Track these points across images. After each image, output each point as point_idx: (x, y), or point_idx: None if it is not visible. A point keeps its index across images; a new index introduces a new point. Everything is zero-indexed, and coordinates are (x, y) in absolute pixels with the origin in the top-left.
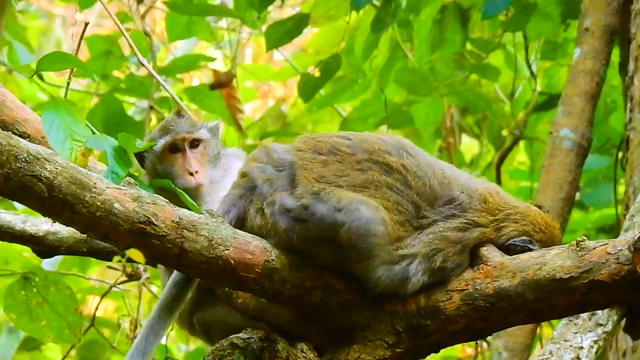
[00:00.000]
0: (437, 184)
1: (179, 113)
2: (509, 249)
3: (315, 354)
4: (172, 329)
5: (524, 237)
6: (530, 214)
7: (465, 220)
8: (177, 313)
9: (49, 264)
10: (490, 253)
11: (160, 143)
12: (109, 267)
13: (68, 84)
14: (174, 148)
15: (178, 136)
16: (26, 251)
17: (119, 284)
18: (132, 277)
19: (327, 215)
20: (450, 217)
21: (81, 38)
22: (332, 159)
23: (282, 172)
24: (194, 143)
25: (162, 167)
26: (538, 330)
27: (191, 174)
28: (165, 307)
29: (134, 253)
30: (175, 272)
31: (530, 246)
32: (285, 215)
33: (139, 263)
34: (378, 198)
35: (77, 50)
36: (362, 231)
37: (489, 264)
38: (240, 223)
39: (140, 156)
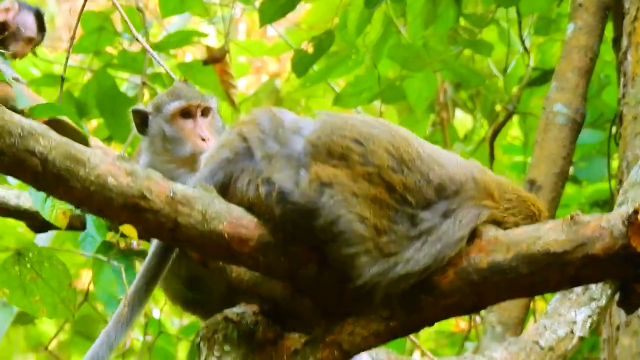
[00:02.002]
0: (433, 192)
1: (186, 82)
2: None
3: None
4: (165, 304)
5: None
6: (528, 203)
7: (466, 212)
8: (158, 282)
9: (43, 239)
10: (485, 227)
11: (174, 106)
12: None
13: (66, 62)
14: (186, 113)
15: (193, 102)
16: (20, 227)
17: (112, 259)
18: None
19: (327, 215)
20: (451, 213)
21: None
22: (342, 164)
23: (287, 156)
24: (205, 111)
25: (171, 130)
26: (532, 305)
27: (203, 139)
28: (146, 277)
29: (128, 228)
30: (154, 243)
31: None
32: (283, 203)
33: (133, 238)
34: (378, 217)
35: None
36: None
37: (483, 238)
38: (224, 188)
39: (142, 120)
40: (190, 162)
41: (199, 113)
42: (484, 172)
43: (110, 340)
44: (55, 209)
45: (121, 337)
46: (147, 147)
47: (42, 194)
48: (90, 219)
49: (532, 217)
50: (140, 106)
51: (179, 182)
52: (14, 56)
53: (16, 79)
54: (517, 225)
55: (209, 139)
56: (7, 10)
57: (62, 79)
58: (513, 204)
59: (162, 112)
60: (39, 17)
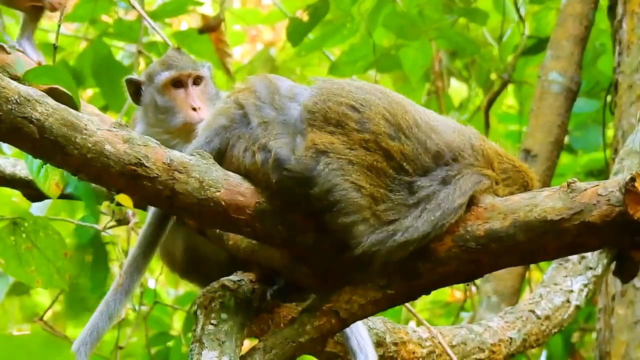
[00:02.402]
0: (431, 159)
1: (179, 50)
2: None
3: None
4: (160, 274)
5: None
6: (522, 169)
7: (465, 178)
8: (155, 251)
9: (38, 209)
10: (482, 195)
11: (165, 76)
12: (101, 212)
13: (58, 30)
14: (178, 83)
15: (184, 71)
16: (15, 196)
17: (108, 228)
18: (121, 221)
19: (323, 184)
20: (450, 180)
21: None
22: (339, 131)
23: (283, 123)
24: (197, 80)
25: (162, 101)
26: (527, 274)
27: (194, 109)
28: (143, 246)
29: (123, 198)
30: (150, 212)
31: None
32: (279, 170)
33: (128, 208)
34: (374, 186)
35: None
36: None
37: (480, 205)
38: (220, 155)
39: (136, 90)
40: (183, 132)
41: (190, 82)
42: (482, 139)
43: (110, 309)
44: (48, 179)
45: (121, 306)
46: (141, 116)
47: (38, 163)
48: (85, 198)
49: (525, 187)
50: (133, 75)
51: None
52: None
53: (13, 47)
54: (511, 194)
55: (201, 108)
56: None
57: (55, 47)
58: (508, 174)
59: (153, 82)
60: None
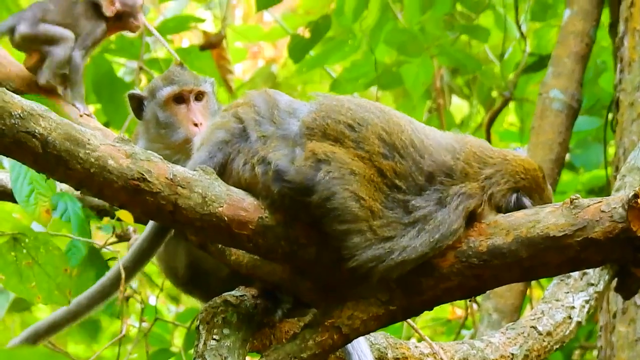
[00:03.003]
0: (424, 179)
1: (182, 66)
2: (503, 209)
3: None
4: (161, 290)
5: (514, 195)
6: (511, 165)
7: (458, 200)
8: (144, 266)
9: (39, 225)
10: (485, 210)
11: (167, 91)
12: (99, 227)
13: None
14: (180, 98)
15: (186, 87)
16: (16, 212)
17: (108, 244)
18: (122, 238)
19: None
20: (444, 201)
21: None
22: (337, 145)
23: (283, 137)
24: (199, 96)
25: (164, 116)
26: (528, 292)
27: (196, 124)
28: (135, 259)
29: (124, 214)
30: (148, 226)
31: (524, 200)
32: (278, 181)
33: (129, 224)
34: (373, 199)
35: None
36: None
37: (482, 221)
38: (222, 169)
39: (138, 105)
40: (184, 147)
41: (192, 98)
42: (465, 146)
43: (77, 310)
44: (37, 206)
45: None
46: (143, 132)
47: (27, 190)
48: (75, 223)
49: (522, 178)
50: (136, 90)
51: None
52: (135, 30)
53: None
54: (511, 190)
55: (202, 124)
56: (111, 2)
57: None
58: (498, 169)
59: (156, 98)
60: None
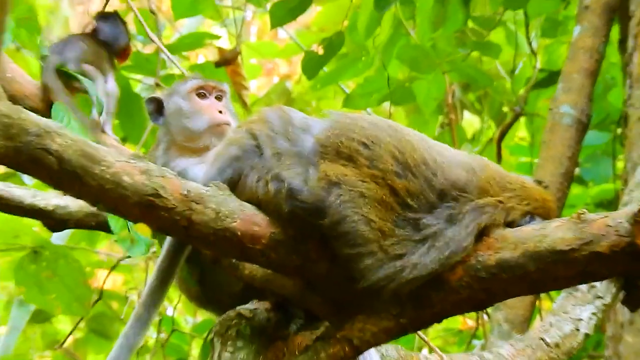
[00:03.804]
0: (436, 197)
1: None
2: (513, 226)
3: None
4: (179, 302)
5: (529, 216)
6: (529, 191)
7: (471, 216)
8: (172, 282)
9: (59, 238)
10: (493, 225)
11: (191, 84)
12: (117, 241)
13: None
14: (202, 92)
15: (209, 82)
16: (36, 225)
17: (126, 257)
18: None
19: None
20: (455, 218)
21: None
22: (351, 164)
23: (297, 154)
24: (219, 95)
25: (188, 105)
26: (537, 303)
27: (220, 112)
28: (160, 277)
29: (142, 227)
30: (166, 243)
31: (538, 221)
32: (291, 200)
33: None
34: (383, 220)
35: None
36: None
37: (491, 236)
38: (232, 185)
39: (157, 107)
40: (209, 134)
41: (214, 94)
42: (485, 168)
43: (129, 342)
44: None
45: (139, 338)
46: (164, 132)
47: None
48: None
49: (539, 205)
50: (155, 94)
51: (192, 170)
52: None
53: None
54: (525, 213)
55: (225, 113)
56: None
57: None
58: (516, 193)
59: (179, 92)
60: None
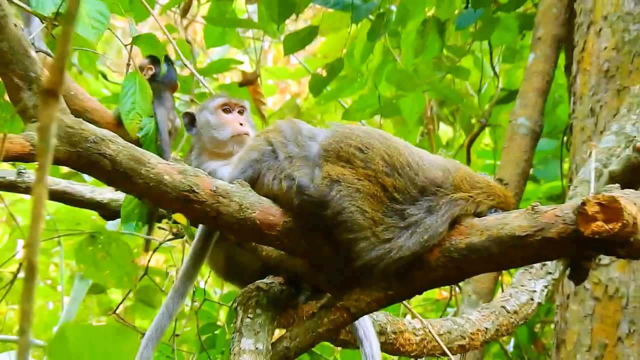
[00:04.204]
0: (417, 192)
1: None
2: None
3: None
4: (209, 277)
5: (493, 209)
6: (493, 189)
7: (446, 207)
8: (204, 261)
9: (112, 225)
10: (464, 215)
11: (217, 101)
12: (159, 227)
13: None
14: (227, 108)
15: (232, 99)
16: (94, 215)
17: (166, 240)
18: (177, 235)
19: (335, 207)
20: (433, 209)
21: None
22: (348, 166)
23: (305, 157)
24: (241, 111)
25: (214, 118)
26: (500, 278)
27: (241, 124)
28: (194, 258)
29: (179, 216)
30: (199, 230)
31: (500, 213)
32: (300, 194)
33: (183, 224)
34: (375, 211)
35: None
36: (353, 235)
37: (462, 224)
38: (252, 182)
39: (190, 120)
40: (232, 143)
41: (236, 109)
42: (458, 170)
43: (169, 310)
44: (134, 122)
45: (177, 307)
46: (195, 141)
47: (128, 106)
48: (149, 142)
49: (501, 200)
50: (189, 109)
51: (219, 171)
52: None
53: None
54: (491, 207)
55: (245, 125)
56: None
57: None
58: (483, 190)
59: (208, 107)
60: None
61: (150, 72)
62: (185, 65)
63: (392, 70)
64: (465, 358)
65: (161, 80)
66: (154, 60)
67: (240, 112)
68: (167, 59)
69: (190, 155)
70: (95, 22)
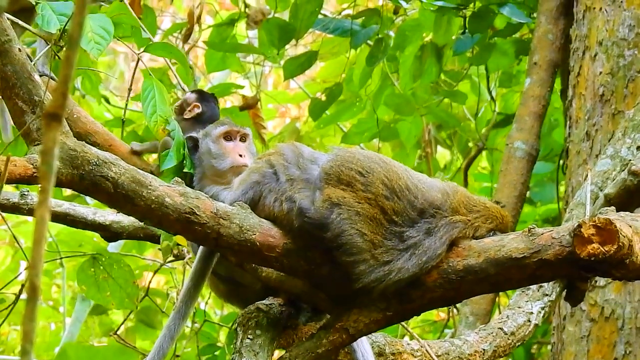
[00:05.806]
0: (416, 214)
1: (229, 118)
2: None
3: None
4: (209, 298)
5: (492, 232)
6: (491, 210)
7: (444, 229)
8: (204, 282)
9: (113, 247)
10: (462, 238)
11: (219, 130)
12: (160, 249)
13: (126, 106)
14: (229, 136)
15: (234, 128)
16: (95, 237)
17: (167, 262)
18: (178, 257)
19: (335, 229)
20: (432, 231)
21: (135, 69)
22: (349, 189)
23: (306, 180)
24: (243, 137)
25: (215, 148)
26: (497, 299)
27: (241, 155)
28: (195, 279)
29: (180, 238)
30: (199, 251)
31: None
32: (301, 217)
33: (183, 246)
34: (374, 233)
35: (133, 77)
36: (353, 258)
37: (459, 246)
38: (253, 204)
39: (194, 144)
40: (231, 173)
41: (238, 137)
42: (456, 193)
43: (171, 332)
44: (157, 125)
45: (179, 329)
46: (197, 165)
47: (151, 109)
48: (174, 146)
49: (499, 222)
50: (192, 134)
51: (221, 194)
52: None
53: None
54: (489, 230)
55: (245, 156)
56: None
57: (123, 122)
58: (481, 213)
59: (210, 135)
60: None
61: (197, 111)
62: (184, 90)
63: (390, 95)
64: None
65: (204, 120)
66: (202, 98)
67: (242, 139)
68: (214, 98)
69: (194, 177)
70: (98, 38)
